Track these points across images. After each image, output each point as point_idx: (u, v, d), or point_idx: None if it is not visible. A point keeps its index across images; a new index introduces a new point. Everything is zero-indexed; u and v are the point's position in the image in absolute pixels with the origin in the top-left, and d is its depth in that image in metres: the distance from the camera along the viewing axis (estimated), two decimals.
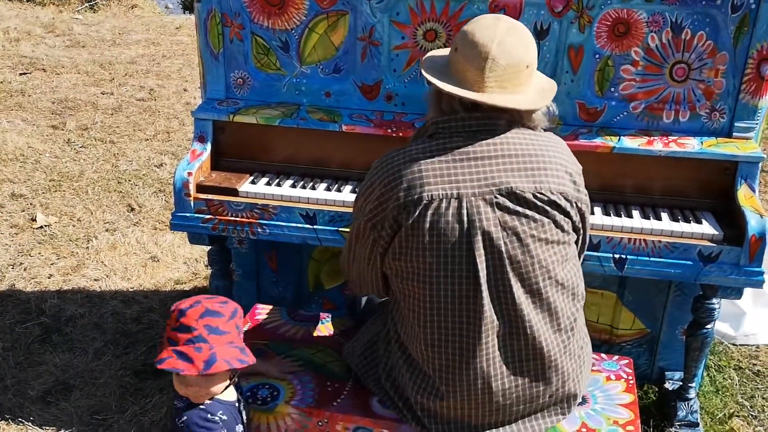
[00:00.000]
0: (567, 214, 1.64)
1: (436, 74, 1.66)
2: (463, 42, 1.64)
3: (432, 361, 1.69)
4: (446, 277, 1.62)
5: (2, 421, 2.48)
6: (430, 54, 1.80)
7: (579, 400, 1.79)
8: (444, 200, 1.60)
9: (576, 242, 1.73)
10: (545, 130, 1.75)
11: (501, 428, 1.72)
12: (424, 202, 1.60)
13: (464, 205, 1.59)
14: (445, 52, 1.75)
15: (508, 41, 1.60)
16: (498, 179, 1.60)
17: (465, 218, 1.59)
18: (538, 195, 1.60)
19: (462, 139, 1.63)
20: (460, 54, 1.64)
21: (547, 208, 1.61)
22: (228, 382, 1.70)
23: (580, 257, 1.77)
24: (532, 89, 1.68)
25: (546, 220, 1.61)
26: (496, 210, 1.59)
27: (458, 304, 1.63)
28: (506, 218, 1.60)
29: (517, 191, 1.60)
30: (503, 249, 1.60)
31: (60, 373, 2.71)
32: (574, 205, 1.66)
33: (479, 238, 1.59)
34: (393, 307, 1.80)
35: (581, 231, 1.73)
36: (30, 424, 2.47)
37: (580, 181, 1.70)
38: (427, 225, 1.61)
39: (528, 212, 1.60)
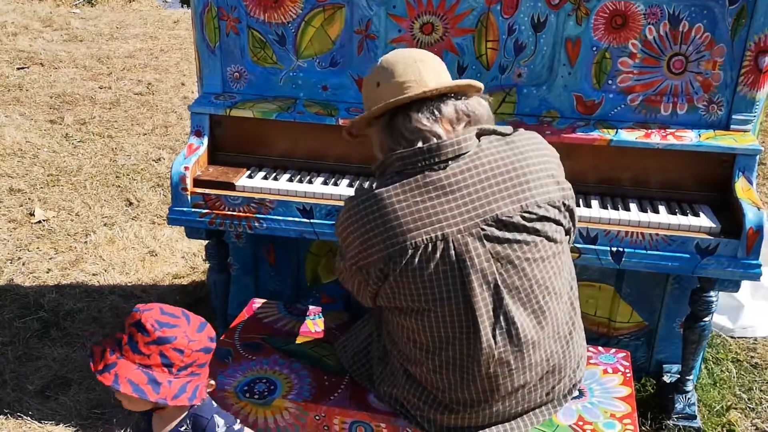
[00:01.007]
0: (558, 222, 1.59)
1: (384, 102, 1.60)
2: (383, 73, 1.63)
3: (437, 383, 1.67)
4: (443, 315, 1.57)
5: (1, 416, 2.49)
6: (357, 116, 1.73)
7: (574, 389, 1.79)
8: (429, 244, 1.52)
9: (567, 233, 1.71)
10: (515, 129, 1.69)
11: (501, 426, 1.72)
12: (410, 251, 1.52)
13: (452, 245, 1.52)
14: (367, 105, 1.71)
15: (425, 56, 1.66)
16: (482, 208, 1.52)
17: (454, 258, 1.52)
18: (526, 215, 1.54)
19: (434, 171, 1.54)
20: (387, 80, 1.62)
21: (537, 226, 1.55)
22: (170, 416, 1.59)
23: (570, 244, 1.74)
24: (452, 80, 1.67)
25: (538, 239, 1.55)
26: (486, 243, 1.52)
27: (458, 337, 1.59)
28: (497, 248, 1.53)
29: (504, 217, 1.52)
30: (499, 280, 1.54)
31: (59, 367, 2.72)
32: (562, 207, 1.60)
33: (472, 277, 1.53)
34: (389, 328, 1.75)
35: (572, 228, 1.69)
36: (29, 418, 2.47)
37: (561, 172, 1.64)
38: (416, 272, 1.54)
39: (518, 236, 1.54)
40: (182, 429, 1.62)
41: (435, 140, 1.55)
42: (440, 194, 1.53)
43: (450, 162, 1.54)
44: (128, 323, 1.53)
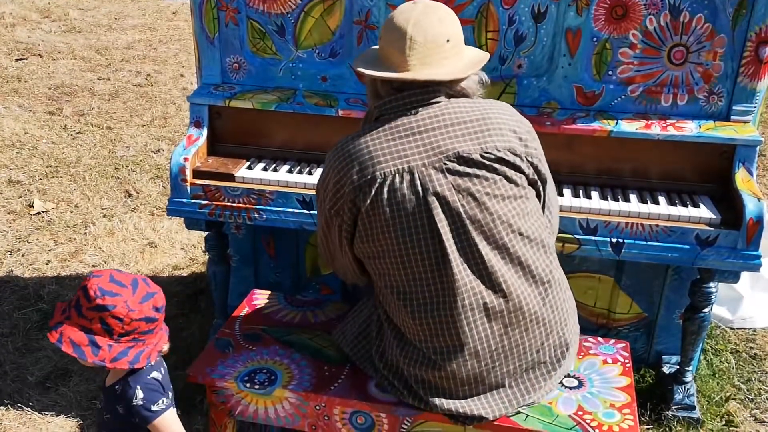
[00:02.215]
0: (518, 169, 1.69)
1: (367, 65, 1.74)
2: (384, 29, 1.72)
3: (417, 333, 1.72)
4: (413, 248, 1.67)
5: (2, 407, 2.49)
6: (367, 49, 1.88)
7: (569, 351, 1.80)
8: (397, 175, 1.66)
9: (538, 197, 1.77)
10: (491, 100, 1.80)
11: (497, 394, 1.73)
12: (378, 180, 1.66)
13: (416, 176, 1.65)
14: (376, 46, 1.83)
15: (423, 20, 1.67)
16: (444, 147, 1.66)
17: (419, 188, 1.65)
18: (485, 154, 1.66)
19: (405, 116, 1.69)
20: (383, 40, 1.73)
21: (496, 165, 1.66)
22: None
23: (544, 212, 1.80)
24: (458, 62, 1.73)
25: (497, 177, 1.66)
26: (447, 175, 1.65)
27: (430, 273, 1.68)
28: (458, 181, 1.65)
29: (464, 154, 1.66)
30: (461, 211, 1.65)
31: (59, 358, 2.72)
32: (524, 159, 1.70)
33: (436, 203, 1.64)
34: (376, 289, 1.84)
35: (538, 184, 1.76)
36: (29, 409, 2.48)
37: (529, 138, 1.74)
38: (385, 202, 1.66)
39: (478, 172, 1.66)
40: (116, 388, 1.70)
41: (411, 99, 1.70)
42: (409, 134, 1.68)
43: (420, 110, 1.69)
44: (80, 287, 1.61)
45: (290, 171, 2.34)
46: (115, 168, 4.31)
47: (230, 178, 2.31)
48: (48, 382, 2.62)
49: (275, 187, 2.28)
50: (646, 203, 2.19)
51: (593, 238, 2.17)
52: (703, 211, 2.15)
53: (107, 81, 5.77)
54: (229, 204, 2.30)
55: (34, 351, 2.78)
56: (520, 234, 1.69)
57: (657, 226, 2.13)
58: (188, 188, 2.30)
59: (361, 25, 2.33)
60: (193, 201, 2.31)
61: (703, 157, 2.22)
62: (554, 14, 2.23)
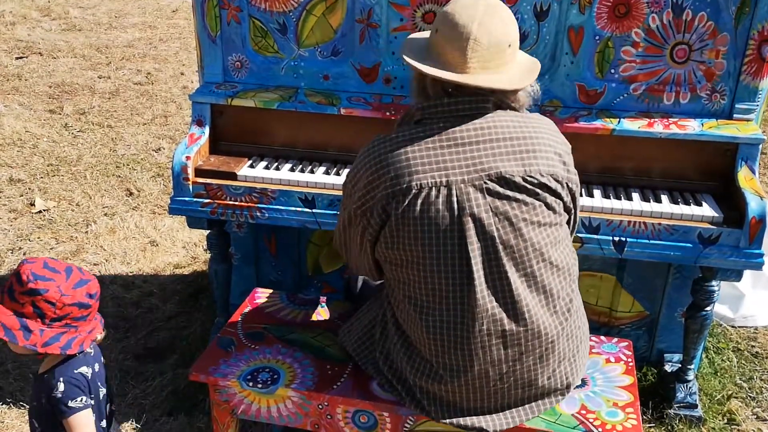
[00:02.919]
0: (558, 195, 1.63)
1: (417, 57, 1.64)
2: (443, 23, 1.61)
3: (429, 346, 1.68)
4: (438, 265, 1.61)
5: (4, 405, 2.49)
6: (410, 36, 1.76)
7: (577, 382, 1.79)
8: (433, 188, 1.58)
9: (567, 222, 1.73)
10: (531, 110, 1.74)
11: (501, 413, 1.72)
12: (413, 191, 1.58)
13: (454, 192, 1.58)
14: (426, 34, 1.73)
15: (488, 21, 1.58)
16: (487, 164, 1.58)
17: (455, 206, 1.58)
18: (528, 178, 1.59)
19: (449, 124, 1.61)
20: (441, 35, 1.61)
21: (538, 190, 1.60)
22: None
23: (571, 236, 1.77)
24: (515, 68, 1.65)
25: (537, 202, 1.60)
26: (487, 196, 1.58)
27: (452, 292, 1.62)
28: (497, 203, 1.58)
29: (507, 175, 1.58)
30: (495, 234, 1.59)
31: None
32: (565, 185, 1.65)
33: (471, 225, 1.58)
34: (388, 291, 1.79)
35: (572, 211, 1.72)
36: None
37: (570, 161, 1.68)
38: (417, 214, 1.59)
39: (518, 196, 1.59)
40: (45, 377, 1.70)
41: (459, 106, 1.61)
42: (451, 145, 1.59)
43: (466, 119, 1.60)
44: (13, 272, 1.63)
45: (292, 169, 2.34)
46: (116, 166, 4.30)
47: (232, 176, 2.31)
48: None
49: (277, 186, 2.28)
50: (649, 201, 2.19)
51: (595, 236, 2.16)
52: (706, 210, 2.14)
53: (108, 79, 5.76)
54: (231, 202, 2.30)
55: None
56: (550, 263, 1.64)
57: (659, 224, 2.13)
58: (190, 187, 2.30)
59: (363, 23, 2.32)
60: (195, 199, 2.31)
61: (705, 156, 2.22)
62: (557, 12, 2.22)
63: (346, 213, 1.75)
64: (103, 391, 1.77)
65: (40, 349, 1.61)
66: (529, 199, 1.60)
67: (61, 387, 1.67)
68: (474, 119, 1.61)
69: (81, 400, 1.68)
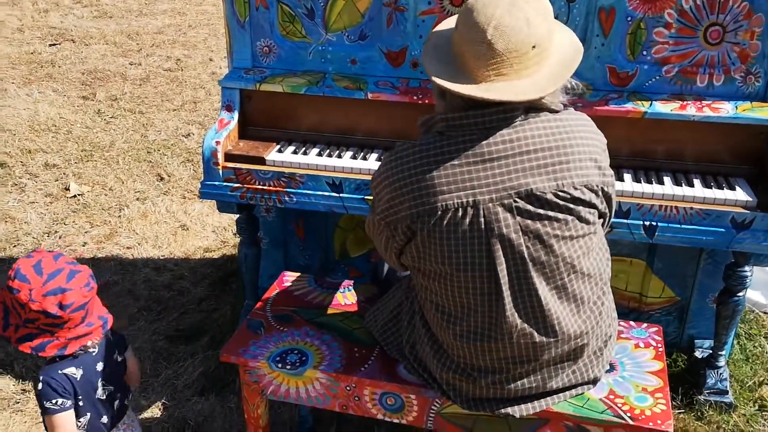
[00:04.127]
0: (592, 206, 1.56)
1: (435, 62, 1.53)
2: (463, 20, 1.48)
3: (457, 350, 1.68)
4: (466, 281, 1.57)
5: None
6: (435, 29, 1.63)
7: (603, 371, 1.78)
8: (460, 209, 1.51)
9: (603, 224, 1.68)
10: (566, 106, 1.61)
11: (530, 401, 1.72)
12: (439, 212, 1.52)
13: (481, 212, 1.50)
14: (452, 23, 1.57)
15: (508, 22, 1.43)
16: (516, 181, 1.50)
17: (483, 226, 1.51)
18: (560, 193, 1.51)
19: (475, 137, 1.50)
20: (459, 34, 1.49)
21: (570, 205, 1.52)
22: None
23: (604, 228, 1.71)
24: (545, 69, 1.50)
25: (569, 218, 1.53)
26: (516, 215, 1.51)
27: (480, 306, 1.60)
28: (527, 222, 1.51)
29: (537, 192, 1.50)
30: (525, 253, 1.53)
31: None
32: (600, 192, 1.57)
33: (498, 246, 1.52)
34: (416, 290, 1.77)
35: (607, 214, 1.65)
36: None
37: (605, 159, 1.59)
38: (443, 234, 1.53)
39: (550, 213, 1.51)
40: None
41: (485, 118, 1.51)
42: (478, 161, 1.50)
43: (493, 131, 1.51)
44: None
45: (320, 154, 2.35)
46: (147, 152, 4.37)
47: (261, 161, 2.33)
48: None
49: (305, 171, 2.29)
50: (681, 186, 2.16)
51: (625, 221, 2.14)
52: (739, 194, 2.11)
53: (138, 66, 5.83)
54: (259, 187, 2.32)
55: None
56: (581, 273, 1.59)
57: (691, 208, 2.10)
58: (220, 171, 2.33)
59: (391, 7, 2.31)
60: (225, 184, 2.34)
61: (739, 139, 2.18)
62: None
63: (370, 217, 1.71)
64: (105, 389, 1.77)
65: (14, 344, 1.64)
66: (561, 216, 1.52)
67: (40, 386, 1.68)
68: (501, 129, 1.51)
69: (56, 402, 1.67)
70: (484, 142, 1.50)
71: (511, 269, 1.55)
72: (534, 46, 1.46)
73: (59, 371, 1.69)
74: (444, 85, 1.50)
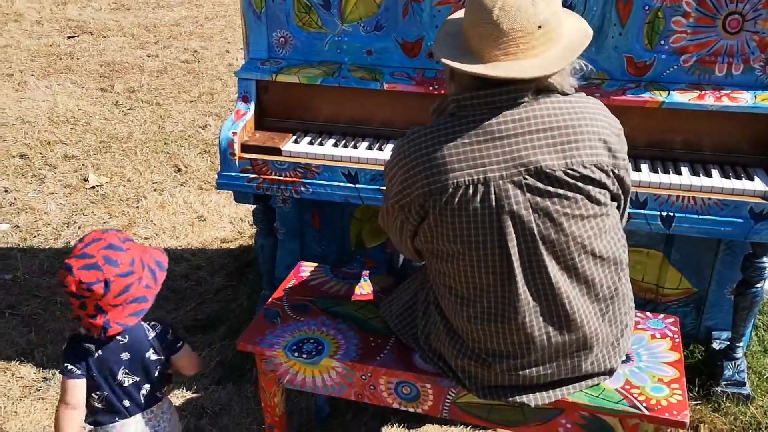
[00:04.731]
0: (603, 186, 1.57)
1: (444, 46, 1.58)
2: (471, 3, 1.54)
3: (472, 335, 1.69)
4: (478, 261, 1.59)
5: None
6: (450, 17, 1.68)
7: (619, 365, 1.78)
8: (471, 186, 1.54)
9: (618, 207, 1.67)
10: (578, 90, 1.64)
11: (544, 390, 1.72)
12: (450, 189, 1.55)
13: (492, 189, 1.53)
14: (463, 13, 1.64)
15: (512, 2, 1.48)
16: (526, 158, 1.52)
17: (493, 203, 1.54)
18: (570, 171, 1.53)
19: (485, 116, 1.54)
20: (467, 17, 1.54)
21: (580, 184, 1.54)
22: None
23: (621, 220, 1.71)
24: (552, 50, 1.53)
25: (579, 196, 1.54)
26: (526, 192, 1.53)
27: (493, 286, 1.61)
28: (537, 199, 1.53)
29: (547, 170, 1.52)
30: (535, 231, 1.55)
31: None
32: (611, 173, 1.58)
33: (509, 222, 1.55)
34: (430, 277, 1.79)
35: (621, 198, 1.66)
36: None
37: (619, 145, 1.60)
38: (455, 212, 1.56)
39: (560, 191, 1.53)
40: None
41: (495, 97, 1.55)
42: (488, 139, 1.54)
43: (503, 109, 1.54)
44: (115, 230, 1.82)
45: (336, 145, 2.36)
46: (165, 143, 4.40)
47: (277, 152, 2.34)
48: None
49: (321, 161, 2.30)
50: (698, 176, 2.14)
51: (642, 211, 2.13)
52: (758, 184, 2.09)
53: (156, 58, 5.87)
54: (276, 177, 2.34)
55: None
56: (593, 255, 1.60)
57: (709, 199, 2.08)
58: (237, 162, 2.34)
59: None
60: (241, 174, 2.35)
61: (758, 129, 2.16)
62: None
63: (384, 203, 1.74)
64: (129, 378, 1.80)
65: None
66: (570, 194, 1.54)
67: (64, 346, 1.81)
68: (512, 108, 1.54)
69: (67, 367, 1.77)
70: (494, 121, 1.54)
71: (521, 247, 1.57)
72: (540, 26, 1.50)
73: (81, 342, 1.79)
74: (452, 65, 1.54)
